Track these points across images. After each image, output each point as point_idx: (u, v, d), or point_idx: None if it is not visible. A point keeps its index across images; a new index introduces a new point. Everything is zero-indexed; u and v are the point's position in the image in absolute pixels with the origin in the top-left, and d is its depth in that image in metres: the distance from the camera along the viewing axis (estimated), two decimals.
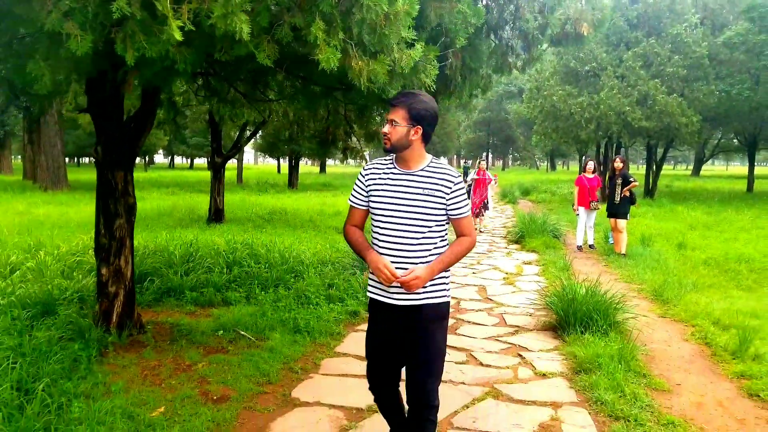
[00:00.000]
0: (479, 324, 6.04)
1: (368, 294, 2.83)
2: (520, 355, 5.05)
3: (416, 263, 2.63)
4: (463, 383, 4.36)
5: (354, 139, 7.48)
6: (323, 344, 5.18)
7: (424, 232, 2.64)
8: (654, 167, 25.27)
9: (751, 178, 30.82)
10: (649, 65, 20.61)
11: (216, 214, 12.74)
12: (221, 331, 5.30)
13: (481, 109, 62.67)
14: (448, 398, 4.03)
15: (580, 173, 11.59)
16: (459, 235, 2.74)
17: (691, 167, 64.65)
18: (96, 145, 4.93)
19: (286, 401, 3.95)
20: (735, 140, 36.65)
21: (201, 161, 72.57)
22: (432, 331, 2.71)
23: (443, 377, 4.42)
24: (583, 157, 34.04)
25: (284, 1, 2.66)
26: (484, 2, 4.48)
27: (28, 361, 3.80)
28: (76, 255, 7.32)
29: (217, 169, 12.66)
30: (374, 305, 2.81)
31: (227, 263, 7.36)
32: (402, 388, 2.93)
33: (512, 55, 4.70)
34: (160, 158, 77.94)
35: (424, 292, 2.67)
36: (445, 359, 2.81)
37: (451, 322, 5.99)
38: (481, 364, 4.80)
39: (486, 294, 7.44)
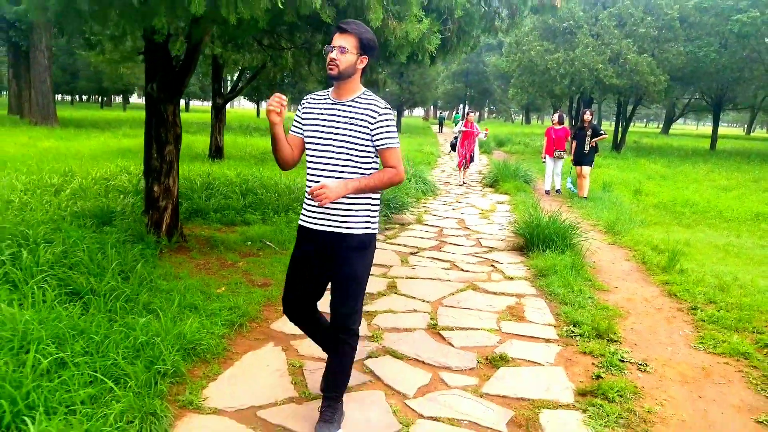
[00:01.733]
0: (459, 245, 7.25)
1: (299, 221, 2.87)
2: (493, 265, 6.29)
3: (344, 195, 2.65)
4: (449, 280, 5.59)
5: None
6: None
7: (352, 163, 2.66)
8: (623, 123, 26.59)
9: (714, 136, 32.41)
10: (623, 25, 21.64)
11: (217, 152, 13.68)
12: (249, 242, 6.42)
13: (460, 61, 62.72)
14: (438, 289, 5.26)
15: (562, 124, 12.62)
16: (385, 166, 2.71)
17: (662, 125, 66.54)
18: (149, 83, 5.87)
19: None
20: (703, 101, 38.18)
21: (198, 104, 72.20)
22: (351, 258, 2.72)
23: (432, 275, 5.70)
24: (556, 111, 35.17)
25: None
26: None
27: (114, 251, 4.86)
28: (108, 180, 8.28)
29: (218, 110, 13.54)
30: (300, 231, 2.85)
31: (242, 191, 8.42)
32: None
33: (498, 19, 5.74)
34: (134, 98, 76.99)
35: (346, 221, 2.69)
36: (367, 285, 2.91)
37: (435, 243, 7.23)
38: (462, 270, 6.03)
39: (464, 224, 8.65)
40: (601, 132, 11.67)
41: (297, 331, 4.14)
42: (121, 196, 7.31)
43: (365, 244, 2.76)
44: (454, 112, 59.62)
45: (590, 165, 11.59)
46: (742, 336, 4.35)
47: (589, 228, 8.49)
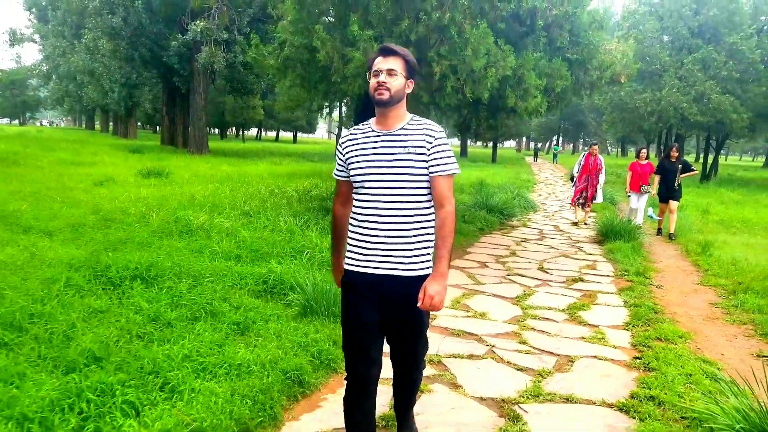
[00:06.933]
0: (555, 239, 10.48)
1: (345, 266, 2.60)
2: (578, 248, 9.50)
3: (402, 230, 2.44)
4: (548, 253, 8.87)
5: (481, 128, 11.94)
6: (471, 237, 9.74)
7: (413, 196, 2.45)
8: (707, 157, 28.52)
9: None
10: (707, 68, 23.96)
11: None
12: None
13: None
14: (542, 256, 8.57)
15: (647, 159, 12.60)
16: (435, 199, 2.46)
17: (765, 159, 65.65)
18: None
19: (465, 252, 8.56)
20: None
21: (284, 134, 79.40)
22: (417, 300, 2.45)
23: (538, 250, 8.96)
24: (650, 144, 37.07)
25: (496, 83, 7.12)
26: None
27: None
28: (308, 191, 12.17)
29: None
30: (350, 277, 2.57)
31: None
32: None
33: (583, 89, 9.04)
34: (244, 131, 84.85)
35: (409, 263, 2.47)
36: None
37: (538, 237, 10.48)
38: (557, 249, 9.29)
39: (559, 229, 11.85)
40: (692, 168, 12.27)
41: (474, 263, 7.58)
42: (325, 200, 11.07)
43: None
44: (553, 144, 61.70)
45: (679, 200, 11.98)
46: (728, 280, 7.35)
47: (653, 233, 11.43)
